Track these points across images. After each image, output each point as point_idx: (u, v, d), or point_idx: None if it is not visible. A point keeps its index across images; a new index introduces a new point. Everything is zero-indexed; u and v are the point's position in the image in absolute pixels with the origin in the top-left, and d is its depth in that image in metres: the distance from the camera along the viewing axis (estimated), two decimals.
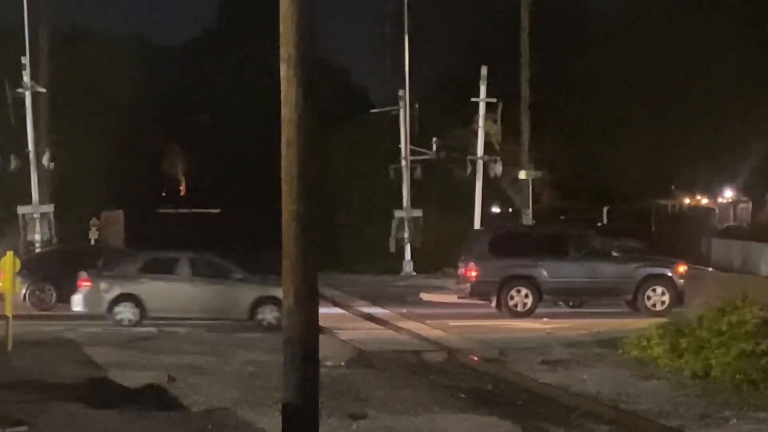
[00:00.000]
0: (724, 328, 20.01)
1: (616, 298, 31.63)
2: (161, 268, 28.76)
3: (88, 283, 28.35)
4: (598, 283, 31.25)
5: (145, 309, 28.05)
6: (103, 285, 28.31)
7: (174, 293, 28.17)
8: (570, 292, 31.75)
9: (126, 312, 27.98)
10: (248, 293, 28.22)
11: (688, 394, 18.23)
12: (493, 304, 31.56)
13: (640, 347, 22.04)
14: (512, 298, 31.12)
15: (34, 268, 32.58)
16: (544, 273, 31.24)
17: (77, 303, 28.55)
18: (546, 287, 31.21)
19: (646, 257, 33.71)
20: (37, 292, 32.36)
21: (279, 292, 28.76)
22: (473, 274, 31.50)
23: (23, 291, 31.31)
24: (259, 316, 28.00)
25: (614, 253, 32.17)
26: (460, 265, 32.83)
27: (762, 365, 18.54)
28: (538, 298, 31.19)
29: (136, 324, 27.74)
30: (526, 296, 31.15)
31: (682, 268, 31.33)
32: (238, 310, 28.22)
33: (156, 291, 28.16)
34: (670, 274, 31.02)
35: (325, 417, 13.49)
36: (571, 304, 32.35)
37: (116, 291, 28.17)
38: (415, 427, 15.24)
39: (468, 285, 31.80)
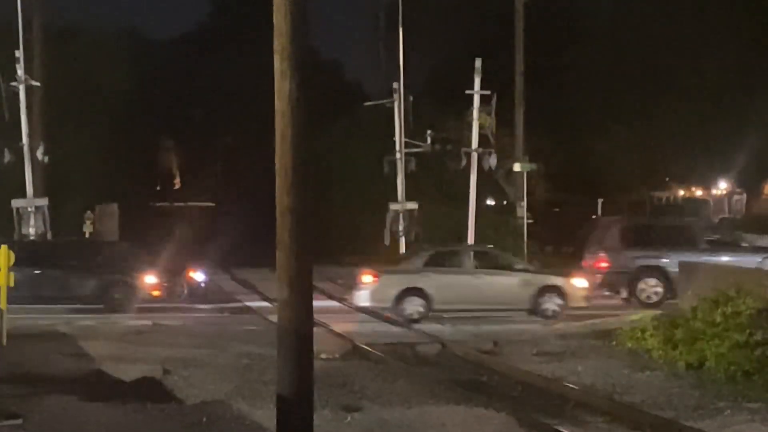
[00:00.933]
0: (718, 320, 20.04)
1: None
2: (445, 262, 29.26)
3: (374, 278, 28.65)
4: None
5: (430, 302, 28.33)
6: (388, 280, 28.59)
7: (459, 286, 28.54)
8: None
9: (412, 306, 28.28)
10: (531, 283, 28.70)
11: (682, 385, 18.28)
12: (623, 295, 31.60)
13: (635, 339, 22.08)
14: (643, 288, 31.20)
15: None
16: (674, 263, 31.19)
17: (363, 298, 28.95)
18: (676, 277, 31.23)
19: None
20: None
21: (560, 282, 29.30)
22: (604, 265, 31.61)
23: None
24: (542, 306, 28.48)
25: (742, 244, 32.19)
26: (588, 256, 32.96)
27: (756, 356, 18.58)
28: (669, 289, 31.18)
29: (422, 318, 28.02)
30: (657, 287, 31.21)
31: None
32: (520, 300, 28.69)
33: (441, 284, 28.47)
34: None
35: (319, 409, 13.51)
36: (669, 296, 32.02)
37: (402, 285, 28.42)
38: (409, 419, 15.26)
39: (598, 276, 31.90)
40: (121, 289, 30.36)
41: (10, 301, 29.29)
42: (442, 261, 29.33)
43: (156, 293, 30.87)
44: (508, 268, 29.37)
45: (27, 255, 30.45)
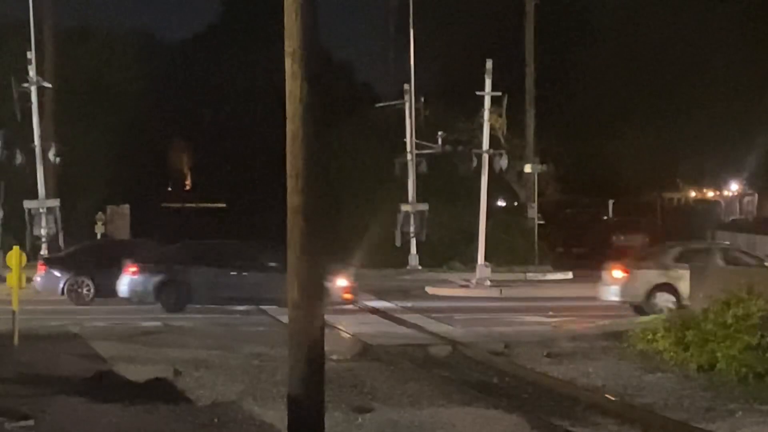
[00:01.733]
0: (730, 321, 19.99)
1: None
2: (695, 258, 29.30)
3: (625, 273, 29.16)
4: None
5: (680, 298, 28.44)
6: (640, 275, 29.03)
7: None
8: None
9: (663, 301, 28.57)
10: None
11: (694, 387, 18.24)
12: None
13: (646, 340, 22.02)
14: None
15: (72, 262, 32.53)
16: None
17: (613, 293, 29.46)
18: None
19: None
20: (75, 287, 32.12)
21: None
22: None
23: (60, 285, 31.52)
24: None
25: None
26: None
27: (767, 358, 18.55)
28: None
29: None
30: None
31: None
32: None
33: (688, 280, 28.54)
34: None
35: (330, 410, 13.49)
36: None
37: (654, 281, 28.84)
38: (420, 421, 15.25)
39: None
40: None
41: (206, 302, 29.54)
42: (691, 257, 29.41)
43: (347, 296, 29.88)
44: (758, 265, 29.26)
45: (216, 257, 30.58)
